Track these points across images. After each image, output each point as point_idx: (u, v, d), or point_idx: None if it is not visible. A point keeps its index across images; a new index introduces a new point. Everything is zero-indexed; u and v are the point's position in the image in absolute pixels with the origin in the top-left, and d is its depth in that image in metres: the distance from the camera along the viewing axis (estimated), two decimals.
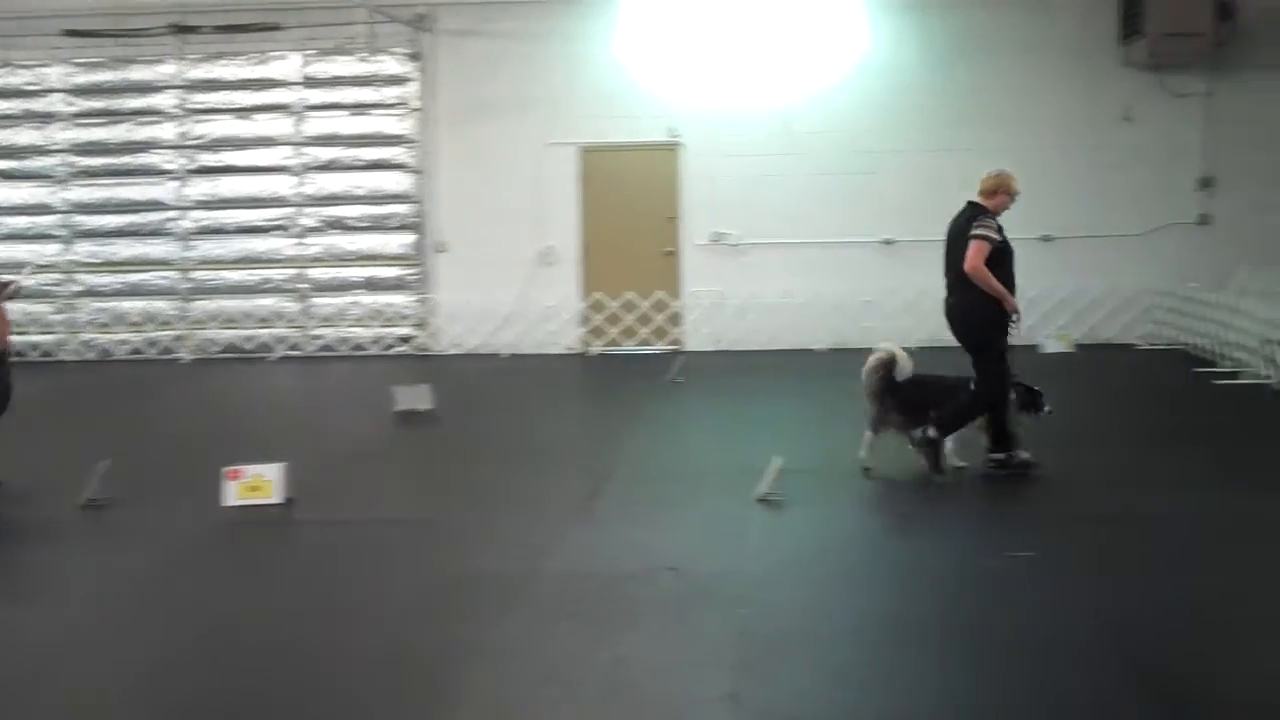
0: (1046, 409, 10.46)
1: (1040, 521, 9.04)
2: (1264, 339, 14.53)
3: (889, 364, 10.38)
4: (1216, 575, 7.77)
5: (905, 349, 10.46)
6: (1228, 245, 17.88)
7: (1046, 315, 18.20)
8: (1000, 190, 10.33)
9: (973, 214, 10.26)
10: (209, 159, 19.53)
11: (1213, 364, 15.72)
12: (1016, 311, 10.24)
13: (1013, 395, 10.35)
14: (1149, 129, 18.33)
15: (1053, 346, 17.77)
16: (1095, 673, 6.21)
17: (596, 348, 18.91)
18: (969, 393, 10.23)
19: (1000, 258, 10.11)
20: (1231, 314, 15.45)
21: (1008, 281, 10.18)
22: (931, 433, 10.19)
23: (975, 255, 10.00)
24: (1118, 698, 5.92)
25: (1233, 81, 18.20)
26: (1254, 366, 14.65)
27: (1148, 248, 18.38)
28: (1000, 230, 10.15)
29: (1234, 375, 14.86)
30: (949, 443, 10.25)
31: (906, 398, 10.35)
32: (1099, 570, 7.86)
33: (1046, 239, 18.42)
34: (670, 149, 18.91)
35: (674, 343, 18.81)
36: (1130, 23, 17.87)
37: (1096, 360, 17.06)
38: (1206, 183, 18.37)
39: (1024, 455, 10.31)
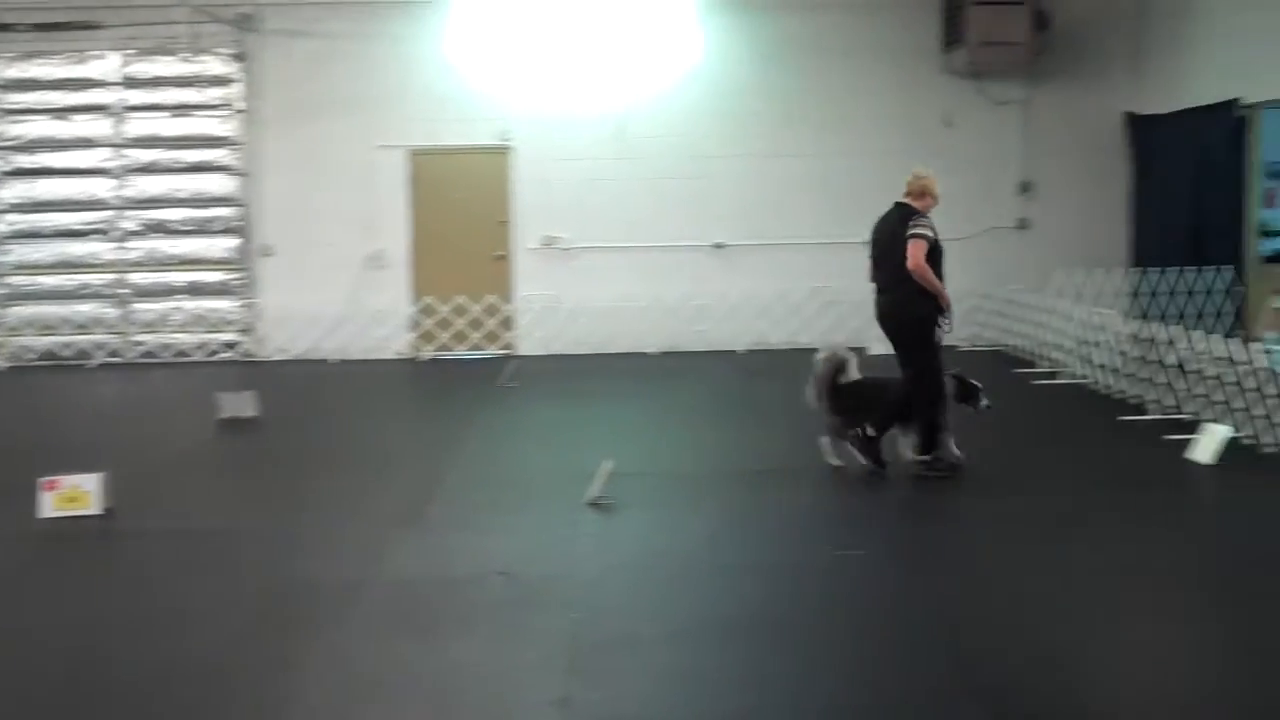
0: (984, 403, 10.74)
1: (869, 519, 9.18)
2: (1080, 340, 14.96)
3: (838, 367, 10.69)
4: (1034, 572, 7.98)
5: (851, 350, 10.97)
6: (1046, 248, 18.36)
7: (873, 318, 18.43)
8: (926, 193, 10.78)
9: (905, 214, 10.63)
10: (25, 160, 18.87)
11: (1032, 364, 16.14)
12: (949, 308, 10.57)
13: (950, 388, 10.61)
14: (970, 135, 18.75)
15: (880, 348, 18.00)
16: (923, 668, 6.32)
17: (428, 353, 18.73)
18: (902, 390, 10.47)
19: (934, 256, 10.46)
20: (1049, 315, 15.88)
21: (939, 279, 10.49)
22: (870, 431, 10.38)
23: (917, 252, 10.31)
24: (946, 693, 6.03)
25: (1049, 89, 18.73)
26: (1071, 366, 15.07)
27: (970, 251, 18.69)
28: (933, 229, 10.51)
29: (1052, 375, 15.27)
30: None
31: (846, 401, 10.60)
32: (926, 567, 8.02)
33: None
34: (502, 152, 18.81)
35: (506, 347, 18.72)
36: (951, 31, 18.26)
37: None
38: (1026, 187, 18.85)
39: (955, 455, 10.47)
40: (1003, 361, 16.86)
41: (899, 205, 10.74)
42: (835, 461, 10.62)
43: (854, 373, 10.77)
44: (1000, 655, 6.49)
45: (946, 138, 18.71)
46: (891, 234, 10.56)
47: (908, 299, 10.45)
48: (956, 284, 18.20)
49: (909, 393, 10.45)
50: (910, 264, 10.29)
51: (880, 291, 10.68)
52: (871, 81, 18.69)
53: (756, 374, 16.49)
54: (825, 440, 10.73)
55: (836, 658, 6.51)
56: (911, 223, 10.44)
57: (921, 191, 10.73)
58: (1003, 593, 7.51)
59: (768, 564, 8.18)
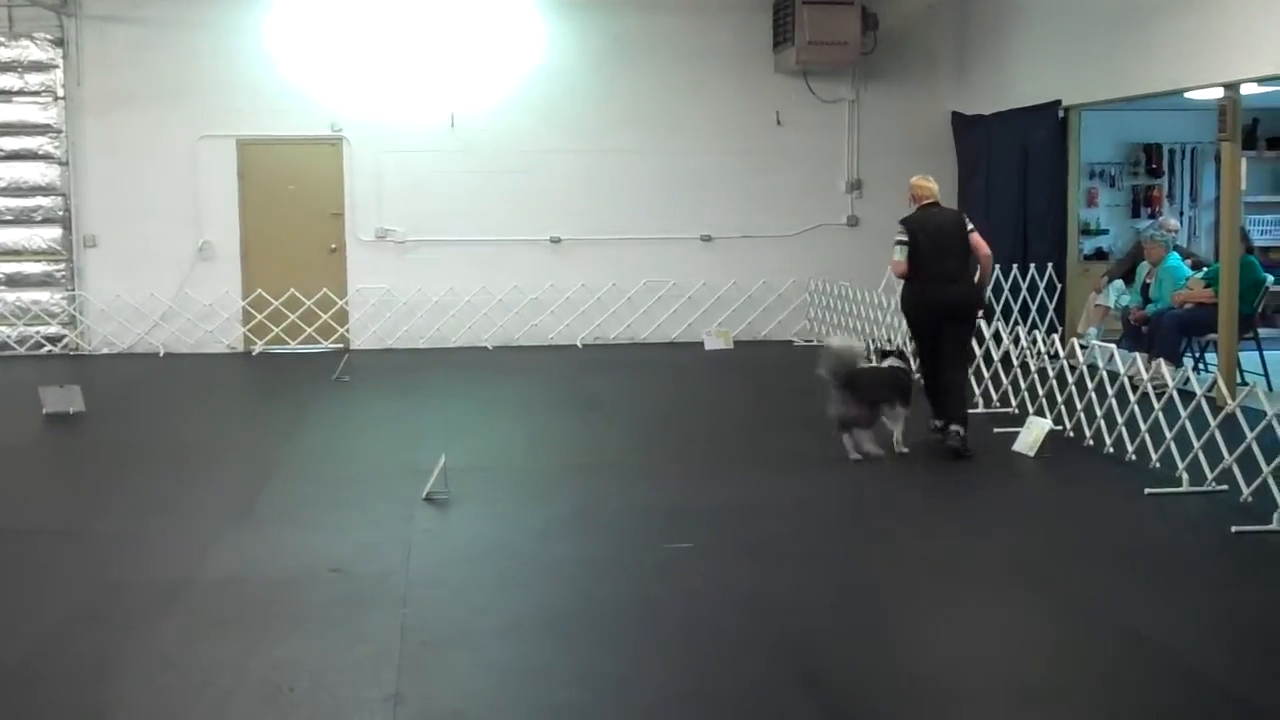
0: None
1: (697, 512, 9.27)
2: (906, 334, 15.24)
3: (857, 357, 11.07)
4: (862, 558, 8.16)
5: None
6: (875, 244, 18.63)
7: (706, 312, 18.71)
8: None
9: (958, 215, 11.88)
10: None
11: (866, 359, 16.40)
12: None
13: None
14: (801, 134, 19.03)
15: (713, 343, 18.26)
16: (751, 659, 6.43)
17: (259, 346, 18.43)
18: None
19: None
20: (879, 311, 16.17)
21: None
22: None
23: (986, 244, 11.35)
24: (772, 681, 6.13)
25: (877, 88, 19.09)
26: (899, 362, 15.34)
27: (802, 247, 19.08)
28: None
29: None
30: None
31: (870, 389, 10.93)
32: (753, 559, 8.12)
33: (706, 239, 18.95)
34: (334, 144, 18.58)
35: (340, 341, 18.51)
36: (781, 30, 18.51)
37: (754, 356, 17.60)
38: (855, 185, 19.19)
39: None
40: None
41: (942, 207, 11.75)
42: (863, 453, 10.71)
43: (863, 361, 11.21)
44: (821, 643, 6.64)
45: (778, 136, 18.97)
46: (955, 231, 11.27)
47: (975, 288, 11.43)
48: (786, 279, 18.69)
49: (962, 373, 11.65)
50: (986, 250, 11.25)
51: (951, 281, 11.12)
52: (706, 80, 18.86)
53: (591, 368, 16.55)
54: (845, 438, 10.76)
55: (665, 650, 6.57)
56: (968, 222, 11.41)
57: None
58: (824, 582, 7.67)
59: (600, 558, 8.23)
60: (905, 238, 11.45)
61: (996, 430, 11.76)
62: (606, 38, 18.65)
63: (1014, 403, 12.57)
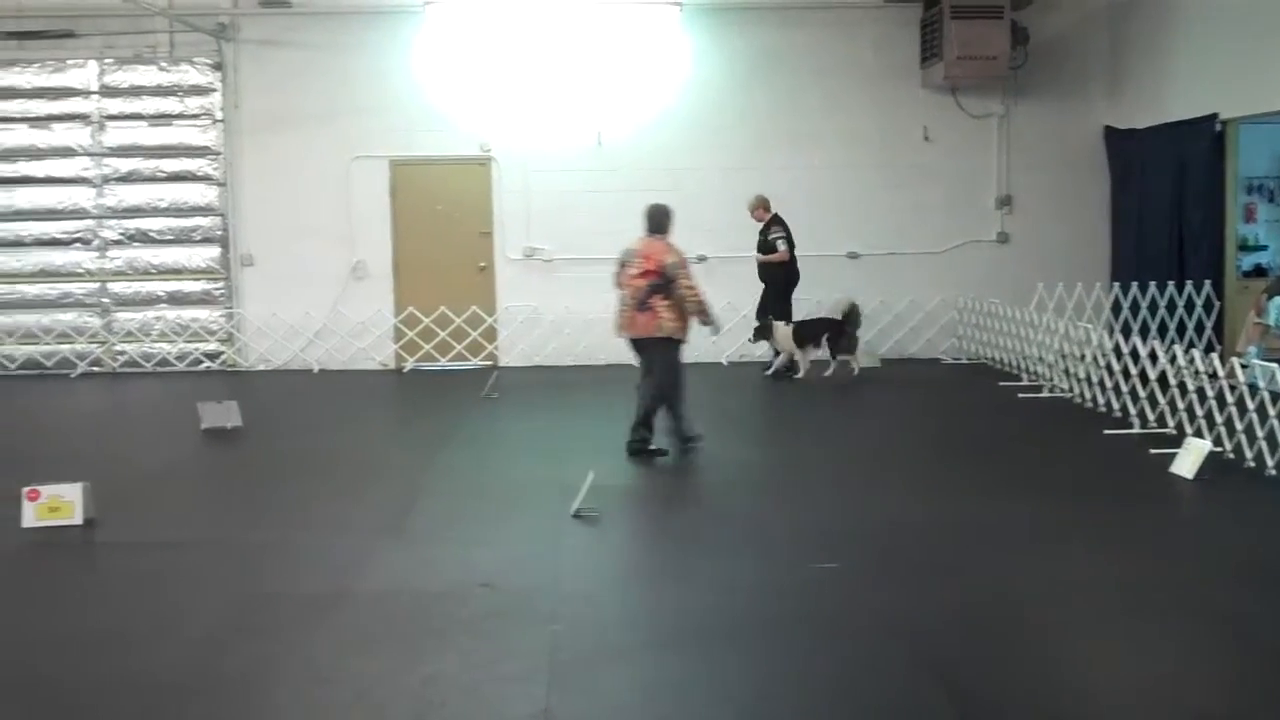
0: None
1: (846, 532, 9.19)
2: (1062, 353, 15.04)
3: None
4: (1013, 579, 8.01)
5: None
6: (1025, 262, 18.46)
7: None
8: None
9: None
10: (4, 169, 18.82)
11: (1016, 377, 16.21)
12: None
13: None
14: (948, 149, 18.85)
15: (860, 361, 18.09)
16: (898, 681, 6.35)
17: (410, 363, 18.73)
18: None
19: None
20: (1030, 329, 15.95)
21: None
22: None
23: None
24: (918, 704, 6.06)
25: (1027, 103, 18.83)
26: (1054, 380, 15.14)
27: (949, 264, 18.88)
28: None
29: (1036, 389, 15.32)
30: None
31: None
32: (902, 580, 8.03)
33: (853, 256, 18.84)
34: (483, 163, 18.84)
35: (488, 358, 18.72)
36: (929, 46, 18.35)
37: (902, 374, 17.43)
38: (1005, 201, 18.94)
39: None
40: (986, 374, 16.94)
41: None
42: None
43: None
44: (969, 666, 6.53)
45: (926, 151, 18.81)
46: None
47: None
48: (934, 296, 18.49)
49: None
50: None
51: None
52: (851, 96, 18.79)
53: (735, 386, 16.53)
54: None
55: (810, 670, 6.53)
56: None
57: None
58: (974, 605, 7.53)
59: (746, 577, 8.20)
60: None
61: (1153, 451, 11.49)
62: (751, 55, 18.65)
63: (1171, 423, 12.27)
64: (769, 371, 17.07)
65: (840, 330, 16.79)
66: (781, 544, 9.00)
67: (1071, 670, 6.54)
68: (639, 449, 11.91)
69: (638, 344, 12.04)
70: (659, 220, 12.07)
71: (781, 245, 17.01)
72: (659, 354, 11.90)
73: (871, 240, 18.84)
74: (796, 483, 11.14)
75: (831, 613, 7.41)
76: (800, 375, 16.77)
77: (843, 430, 13.20)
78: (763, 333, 16.98)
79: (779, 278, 17.17)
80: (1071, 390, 14.63)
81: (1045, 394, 15.05)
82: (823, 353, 16.80)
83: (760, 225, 17.26)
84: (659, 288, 11.71)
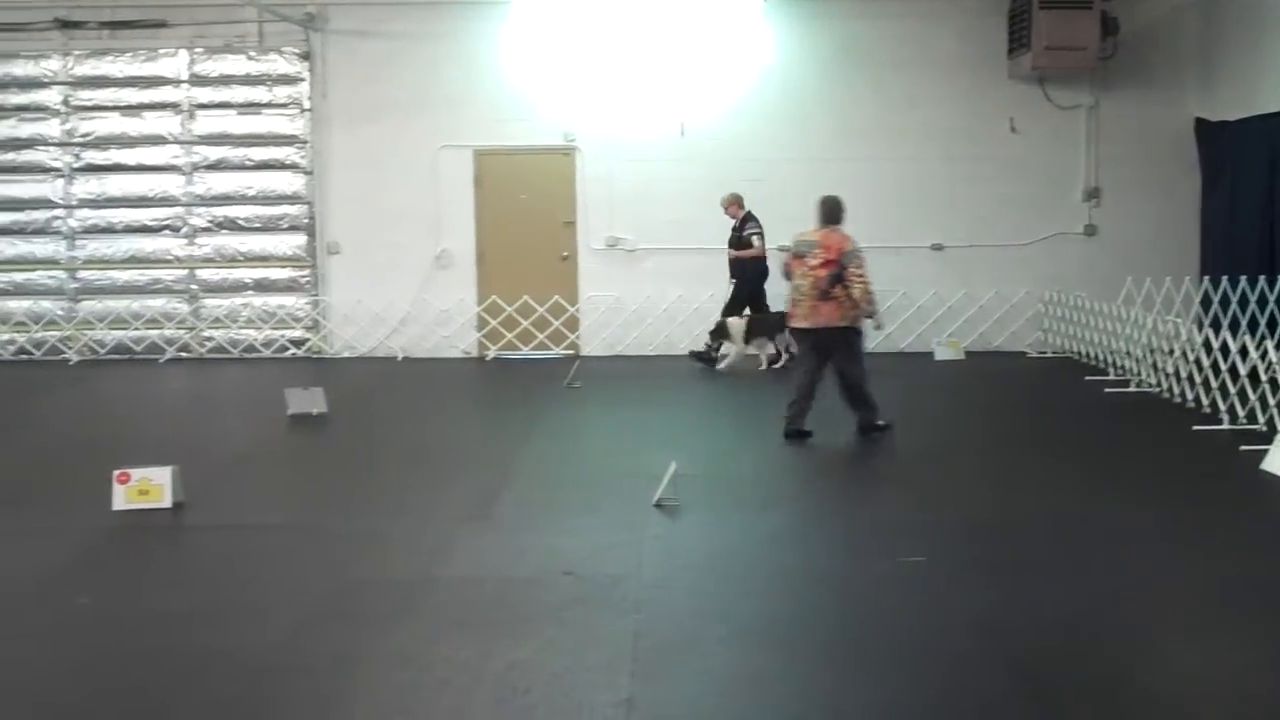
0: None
1: (930, 526, 9.14)
2: (1151, 348, 14.85)
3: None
4: (1100, 577, 7.93)
5: None
6: (1114, 255, 18.23)
7: (937, 322, 18.46)
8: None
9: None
10: (96, 156, 19.16)
11: (1104, 372, 16.03)
12: None
13: None
14: (1035, 141, 18.66)
15: (943, 354, 18.01)
16: (983, 675, 6.31)
17: (493, 352, 18.84)
18: None
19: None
20: (1119, 323, 15.76)
21: None
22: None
23: None
24: (1003, 699, 6.02)
25: (1116, 95, 18.59)
26: (1141, 374, 14.96)
27: (1036, 256, 18.69)
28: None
29: (1124, 384, 15.14)
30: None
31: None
32: (988, 575, 7.98)
33: (937, 247, 18.70)
34: (566, 153, 18.90)
35: (571, 347, 18.79)
36: (1016, 36, 18.17)
37: (986, 367, 17.30)
38: (1093, 194, 18.72)
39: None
40: (1073, 368, 16.77)
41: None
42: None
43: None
44: (1056, 664, 6.47)
45: (1012, 143, 18.63)
46: None
47: None
48: (1019, 288, 18.31)
49: None
50: None
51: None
52: (936, 86, 18.64)
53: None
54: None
55: (893, 664, 6.49)
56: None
57: None
58: (1063, 603, 7.45)
59: (829, 569, 8.20)
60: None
61: (1244, 448, 11.32)
62: (835, 44, 18.56)
63: (1261, 419, 12.08)
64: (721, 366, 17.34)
65: None
66: (866, 536, 8.98)
67: (1159, 669, 6.48)
68: (795, 431, 12.13)
69: (814, 334, 12.16)
70: (834, 211, 12.31)
71: (756, 240, 17.20)
72: (843, 343, 12.13)
73: (955, 232, 18.69)
74: (881, 474, 11.12)
75: (916, 607, 7.37)
76: (723, 367, 17.14)
77: (927, 423, 13.10)
78: (720, 333, 17.26)
79: (751, 272, 17.27)
80: (1159, 385, 14.45)
81: (1133, 389, 14.87)
82: (771, 348, 17.11)
83: (734, 222, 17.48)
84: (839, 277, 11.90)
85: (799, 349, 12.55)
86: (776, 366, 16.81)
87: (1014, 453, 11.88)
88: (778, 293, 16.91)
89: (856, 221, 18.17)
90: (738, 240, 17.33)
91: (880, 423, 12.24)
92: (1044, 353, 18.18)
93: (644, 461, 10.73)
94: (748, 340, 16.94)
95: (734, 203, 17.48)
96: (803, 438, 12.08)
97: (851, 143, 18.55)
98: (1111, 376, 15.70)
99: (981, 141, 18.63)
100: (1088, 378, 15.81)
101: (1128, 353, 15.55)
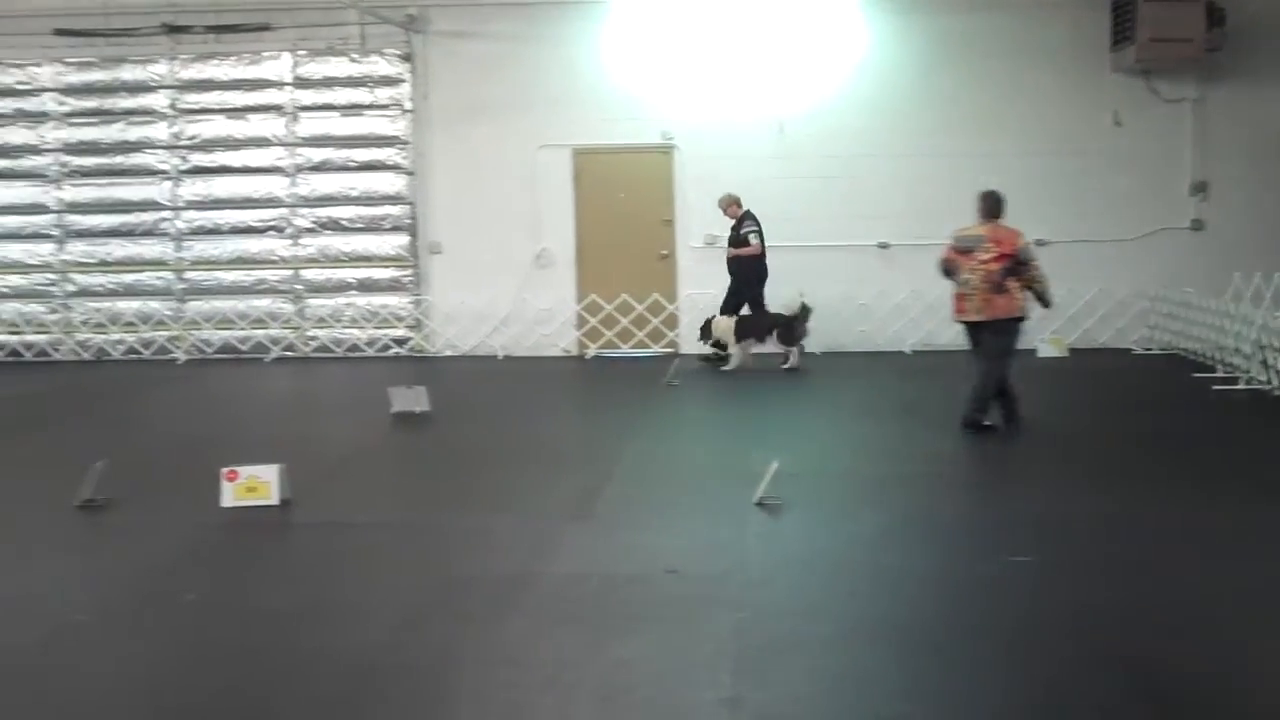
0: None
1: (1037, 525, 9.05)
2: (1259, 344, 14.59)
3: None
4: (1213, 579, 7.80)
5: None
6: (1221, 250, 17.93)
7: (1040, 319, 18.21)
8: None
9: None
10: (202, 159, 19.53)
11: (1211, 369, 15.76)
12: None
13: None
14: (1139, 134, 18.42)
15: (1046, 350, 17.81)
16: (1093, 676, 6.24)
17: (592, 350, 18.92)
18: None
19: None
20: (1227, 319, 15.49)
21: None
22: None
23: None
24: (1114, 700, 5.94)
25: (1223, 87, 18.29)
26: (1251, 372, 14.70)
27: (1141, 252, 18.44)
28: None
29: (1233, 381, 14.88)
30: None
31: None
32: (1098, 575, 7.87)
33: (1040, 243, 18.41)
34: (665, 151, 18.93)
35: (670, 345, 18.81)
36: (1120, 28, 17.93)
37: (1090, 364, 17.10)
38: (1200, 188, 18.42)
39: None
40: (1179, 366, 16.52)
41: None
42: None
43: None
44: (1170, 665, 6.37)
45: (1114, 137, 18.39)
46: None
47: None
48: (1124, 285, 18.06)
49: None
50: None
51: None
52: (1036, 80, 18.47)
53: (920, 375, 16.38)
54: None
55: (999, 665, 6.43)
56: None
57: None
58: (1177, 602, 7.34)
59: (932, 568, 8.13)
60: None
61: None
62: (934, 39, 18.44)
63: None
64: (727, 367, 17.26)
65: (790, 326, 16.94)
66: (971, 535, 8.91)
67: (1273, 674, 6.36)
68: (977, 423, 12.30)
69: (985, 326, 12.29)
70: (997, 205, 12.49)
71: (754, 239, 17.27)
72: (1008, 334, 12.32)
73: (1058, 227, 18.44)
74: (985, 473, 11.03)
75: (1024, 608, 7.29)
76: (729, 368, 17.04)
77: (1030, 422, 12.96)
78: (706, 331, 17.42)
79: (749, 271, 17.28)
80: (1270, 383, 14.19)
81: (1241, 386, 14.62)
82: (764, 347, 17.18)
83: (732, 221, 17.60)
84: (1013, 270, 12.11)
85: (971, 344, 12.58)
86: (785, 367, 16.91)
87: (1120, 450, 11.71)
88: (774, 293, 17.13)
89: (956, 216, 18.19)
90: (736, 239, 17.39)
91: (987, 423, 12.20)
92: (1150, 350, 17.93)
93: (744, 459, 10.73)
94: (737, 340, 17.01)
95: (732, 203, 17.63)
96: (986, 430, 12.27)
97: (951, 137, 18.44)
98: (1220, 374, 15.43)
99: (1083, 135, 18.42)
100: (1195, 375, 15.56)
101: (1236, 349, 15.28)
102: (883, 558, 8.42)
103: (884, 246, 18.63)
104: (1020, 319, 12.34)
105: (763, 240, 17.26)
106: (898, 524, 9.27)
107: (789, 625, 7.02)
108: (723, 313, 17.26)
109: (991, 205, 12.48)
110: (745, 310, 17.27)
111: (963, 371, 12.65)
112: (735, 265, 17.48)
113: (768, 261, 17.34)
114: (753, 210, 17.46)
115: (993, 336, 12.23)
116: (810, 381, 16.33)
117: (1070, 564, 8.11)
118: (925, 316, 18.31)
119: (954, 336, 17.70)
